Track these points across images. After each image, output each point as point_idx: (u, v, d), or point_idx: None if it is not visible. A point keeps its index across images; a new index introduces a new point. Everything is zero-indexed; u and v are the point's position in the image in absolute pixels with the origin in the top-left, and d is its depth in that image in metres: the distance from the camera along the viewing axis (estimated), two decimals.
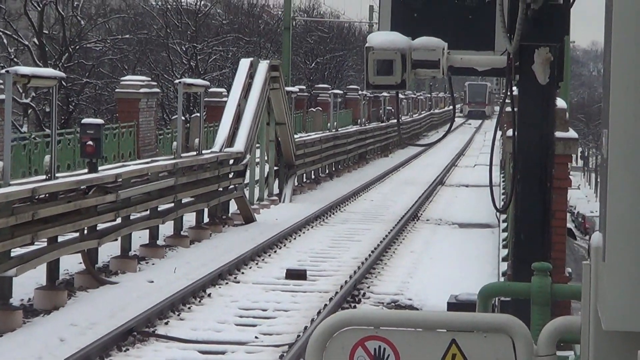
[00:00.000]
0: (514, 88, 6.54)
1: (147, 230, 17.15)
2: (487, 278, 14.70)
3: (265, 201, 24.90)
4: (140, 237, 17.31)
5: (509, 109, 6.60)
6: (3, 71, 13.28)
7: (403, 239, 20.45)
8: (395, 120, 46.25)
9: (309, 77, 60.69)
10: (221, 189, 20.56)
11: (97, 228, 14.79)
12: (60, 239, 13.59)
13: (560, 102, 9.61)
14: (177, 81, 20.69)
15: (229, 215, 21.54)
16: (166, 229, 18.34)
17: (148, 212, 16.97)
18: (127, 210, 15.72)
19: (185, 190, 18.41)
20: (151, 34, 47.41)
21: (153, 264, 16.25)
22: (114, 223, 15.36)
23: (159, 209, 17.38)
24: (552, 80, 6.36)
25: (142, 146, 26.24)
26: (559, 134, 8.93)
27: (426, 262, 17.50)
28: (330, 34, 64.01)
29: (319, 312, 12.89)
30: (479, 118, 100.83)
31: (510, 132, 11.41)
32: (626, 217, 3.16)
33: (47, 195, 12.98)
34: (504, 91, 6.68)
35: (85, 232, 14.25)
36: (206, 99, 27.22)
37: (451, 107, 13.68)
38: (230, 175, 21.17)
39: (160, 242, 17.65)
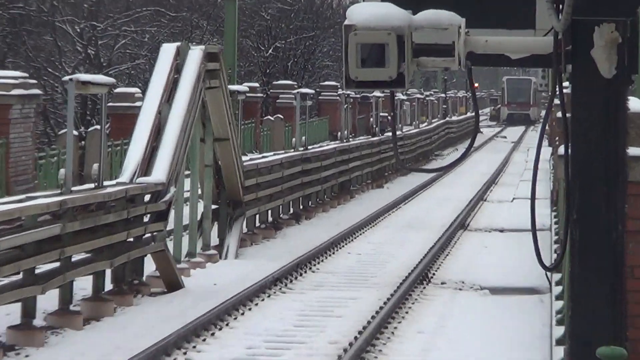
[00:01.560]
0: (566, 84, 6.54)
1: (19, 304, 17.04)
2: None
3: (198, 257, 24.85)
4: (8, 315, 17.19)
5: (559, 114, 6.61)
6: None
7: (406, 312, 20.44)
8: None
9: (265, 69, 60.89)
10: (132, 240, 20.49)
11: None
12: None
13: (635, 104, 9.62)
14: (66, 78, 20.65)
15: (144, 279, 21.47)
16: (48, 301, 18.23)
17: (20, 275, 16.88)
18: None
19: (77, 243, 18.33)
20: (30, 9, 47.44)
21: (26, 357, 16.12)
22: None
23: (36, 271, 17.28)
24: (620, 72, 6.37)
25: (14, 175, 26.16)
26: (633, 150, 8.94)
27: (442, 349, 17.48)
28: (295, 7, 64.29)
29: None
30: (521, 123, 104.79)
31: (562, 149, 11.42)
32: None
33: None
34: (551, 89, 6.70)
35: None
36: (110, 104, 27.17)
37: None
38: (146, 219, 21.11)
39: (38, 321, 17.52)
